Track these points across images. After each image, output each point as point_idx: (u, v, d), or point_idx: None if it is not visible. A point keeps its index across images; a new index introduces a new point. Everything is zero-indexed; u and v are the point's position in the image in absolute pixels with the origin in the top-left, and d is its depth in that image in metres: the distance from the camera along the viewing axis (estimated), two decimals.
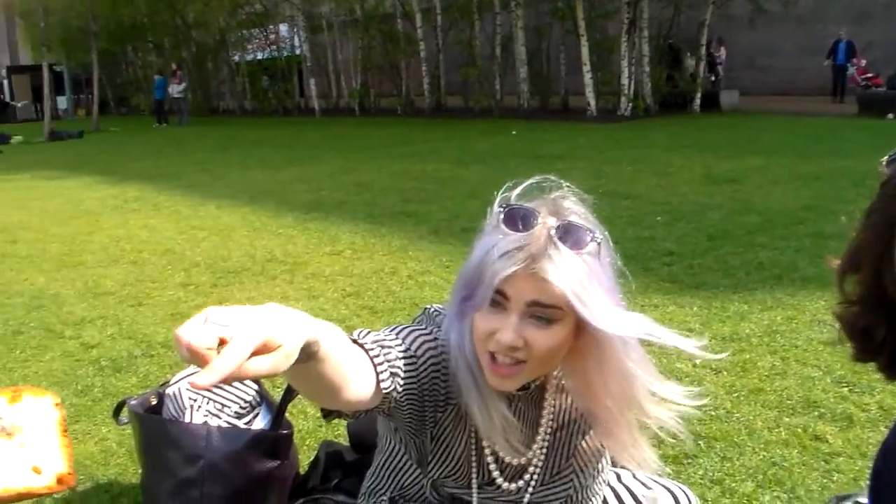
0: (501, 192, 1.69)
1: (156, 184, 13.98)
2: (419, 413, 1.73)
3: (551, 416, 1.85)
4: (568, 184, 1.73)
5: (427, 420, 1.77)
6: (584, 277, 1.56)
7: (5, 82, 45.47)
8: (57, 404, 0.71)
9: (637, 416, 1.77)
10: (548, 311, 1.59)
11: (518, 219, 1.61)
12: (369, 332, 1.64)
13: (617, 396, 1.72)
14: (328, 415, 1.61)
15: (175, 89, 31.82)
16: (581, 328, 1.64)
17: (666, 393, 1.78)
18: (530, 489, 1.90)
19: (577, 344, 1.68)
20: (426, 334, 1.75)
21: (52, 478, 0.67)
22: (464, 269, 1.67)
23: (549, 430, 1.86)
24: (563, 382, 1.84)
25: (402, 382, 1.62)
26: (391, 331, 1.73)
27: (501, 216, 1.62)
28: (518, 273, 1.56)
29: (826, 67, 24.58)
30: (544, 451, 1.87)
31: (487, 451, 1.84)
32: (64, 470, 0.68)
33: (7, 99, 44.78)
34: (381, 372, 1.55)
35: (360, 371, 1.45)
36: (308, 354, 1.16)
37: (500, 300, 1.60)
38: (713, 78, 25.12)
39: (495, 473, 1.86)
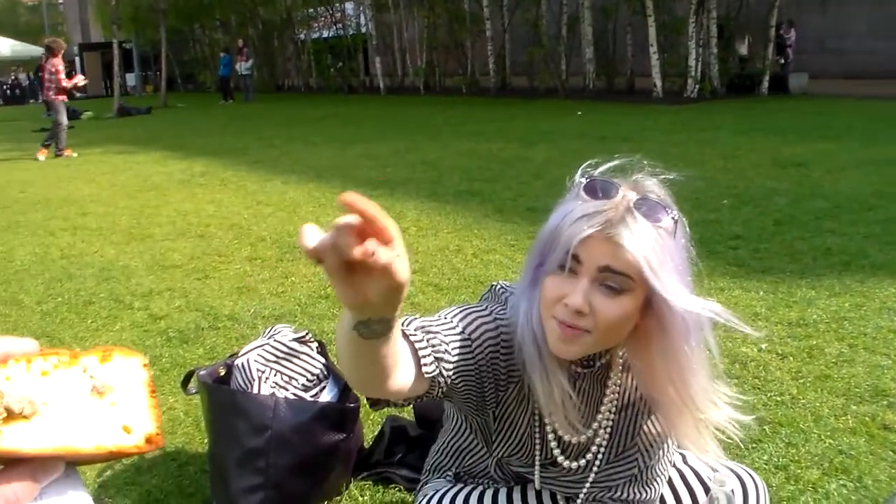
0: (583, 168, 1.70)
1: (222, 159, 14.15)
2: (478, 393, 1.74)
3: (615, 394, 1.85)
4: (650, 164, 1.73)
5: (488, 399, 1.78)
6: (658, 249, 1.57)
7: (77, 59, 46.15)
8: (145, 365, 0.74)
9: (693, 410, 1.76)
10: (618, 278, 1.58)
11: (598, 188, 1.62)
12: (415, 319, 1.65)
13: (678, 384, 1.71)
14: (375, 403, 1.63)
15: (242, 66, 32.03)
16: (647, 306, 1.64)
17: (716, 395, 1.78)
18: (595, 467, 1.90)
19: (642, 324, 1.67)
20: (483, 314, 1.77)
21: (141, 437, 0.69)
22: (539, 236, 1.68)
23: (612, 409, 1.86)
24: (629, 362, 1.84)
25: (451, 366, 1.63)
26: (444, 314, 1.75)
27: (582, 185, 1.63)
28: (594, 236, 1.56)
29: (888, 53, 24.05)
30: (608, 430, 1.87)
31: (549, 429, 1.84)
32: (153, 430, 0.70)
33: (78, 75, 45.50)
34: (424, 357, 1.56)
35: (405, 359, 1.46)
36: (388, 326, 1.17)
37: (572, 265, 1.60)
38: (782, 61, 24.65)
39: (556, 451, 1.87)
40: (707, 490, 2.05)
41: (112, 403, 0.70)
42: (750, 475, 2.12)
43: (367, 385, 1.45)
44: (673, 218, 1.62)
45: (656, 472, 1.98)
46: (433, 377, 1.58)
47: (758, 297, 5.48)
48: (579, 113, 19.64)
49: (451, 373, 1.63)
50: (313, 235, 0.97)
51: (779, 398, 3.97)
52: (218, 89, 34.44)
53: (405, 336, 1.53)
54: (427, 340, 1.60)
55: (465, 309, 1.78)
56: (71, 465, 0.69)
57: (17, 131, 22.75)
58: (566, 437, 1.83)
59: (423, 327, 1.63)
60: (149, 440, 0.70)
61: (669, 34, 24.34)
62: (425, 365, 1.56)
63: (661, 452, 1.95)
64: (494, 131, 16.60)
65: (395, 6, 33.96)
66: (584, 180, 1.65)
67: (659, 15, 23.44)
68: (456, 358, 1.65)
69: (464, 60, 31.33)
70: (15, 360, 0.68)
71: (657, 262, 1.56)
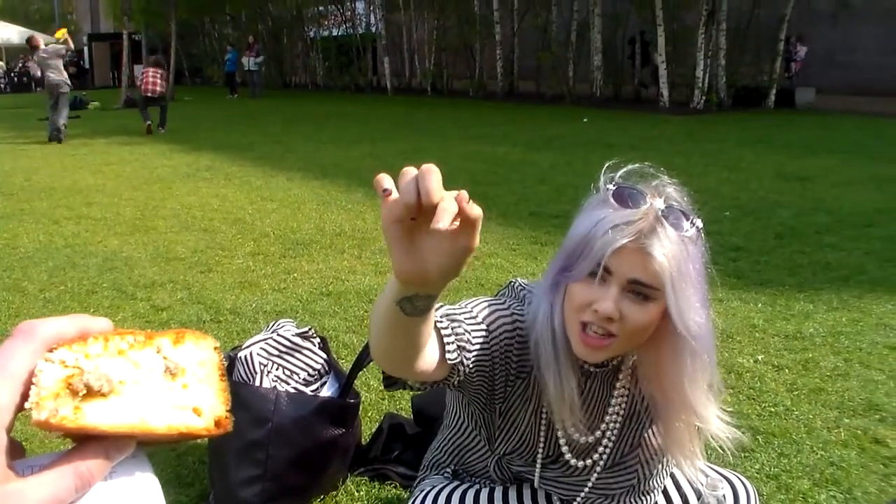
0: (604, 172, 1.75)
1: (228, 154, 14.19)
2: (489, 386, 1.80)
3: (623, 398, 1.90)
4: (666, 172, 1.78)
5: (496, 393, 1.83)
6: (683, 261, 1.64)
7: (86, 49, 46.17)
8: (216, 348, 0.75)
9: (690, 415, 1.81)
10: (646, 289, 1.65)
11: (627, 196, 1.67)
12: (442, 305, 1.70)
13: (680, 388, 1.76)
14: (392, 384, 1.68)
15: (251, 62, 31.96)
16: (664, 312, 1.70)
17: (712, 406, 1.82)
18: (598, 468, 1.94)
19: (659, 324, 1.73)
20: (502, 309, 1.82)
21: (210, 420, 0.71)
22: (567, 242, 1.72)
23: (619, 412, 1.90)
24: (637, 368, 1.88)
25: (471, 356, 1.69)
26: (466, 304, 1.81)
27: (611, 193, 1.68)
28: (627, 246, 1.61)
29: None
30: (615, 432, 1.92)
31: (558, 426, 1.89)
32: (222, 413, 0.72)
33: (87, 65, 45.51)
34: (448, 344, 1.62)
35: (432, 342, 1.51)
36: (430, 304, 1.22)
37: (601, 273, 1.65)
38: (787, 75, 24.57)
39: (564, 448, 1.91)
40: (699, 495, 2.09)
41: (184, 385, 0.71)
42: (741, 481, 2.16)
43: (394, 362, 1.49)
44: (696, 226, 1.69)
45: (653, 485, 2.02)
46: (454, 364, 1.63)
47: (756, 308, 5.52)
48: (585, 120, 19.66)
49: (470, 362, 1.69)
50: (389, 181, 1.00)
51: (773, 409, 4.01)
52: (225, 84, 34.48)
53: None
54: (452, 328, 1.66)
55: (487, 301, 1.84)
56: (139, 446, 0.71)
57: (22, 118, 22.81)
58: (575, 436, 1.88)
59: (448, 315, 1.69)
60: (218, 423, 0.70)
61: (678, 44, 24.37)
62: (449, 352, 1.61)
63: (660, 466, 1.99)
64: (500, 135, 16.64)
65: (406, 6, 33.98)
66: (612, 187, 1.70)
67: (669, 24, 23.46)
68: (476, 348, 1.71)
69: (472, 63, 31.34)
70: (94, 338, 0.70)
71: (679, 277, 1.63)
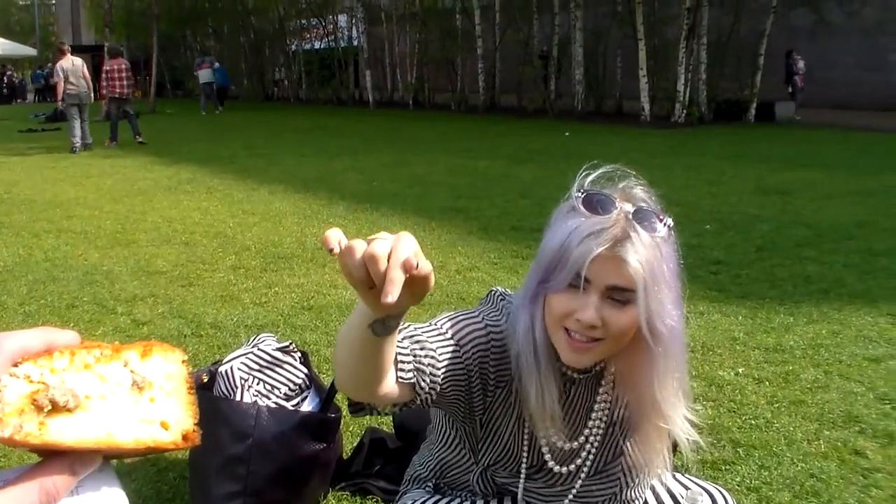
0: (578, 177, 1.77)
1: (209, 167, 14.16)
2: (466, 398, 1.80)
3: (606, 404, 1.90)
4: (635, 174, 1.80)
5: (476, 404, 1.84)
6: (656, 263, 1.65)
7: None
8: (184, 361, 0.75)
9: (657, 417, 1.82)
10: (625, 293, 1.66)
11: (596, 203, 1.68)
12: (406, 327, 1.71)
13: (651, 390, 1.77)
14: (359, 410, 1.70)
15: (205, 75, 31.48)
16: None
17: (681, 409, 1.84)
18: (582, 475, 1.94)
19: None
20: (473, 321, 1.84)
21: (178, 433, 0.71)
22: (542, 254, 1.73)
23: (601, 418, 1.91)
24: (616, 373, 1.90)
25: (438, 372, 1.70)
26: (436, 321, 1.82)
27: (580, 201, 1.69)
28: (602, 255, 1.62)
29: (886, 82, 24.17)
30: (598, 438, 1.92)
31: (541, 433, 1.90)
32: (189, 427, 0.72)
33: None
34: (402, 363, 1.63)
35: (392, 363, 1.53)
36: (399, 321, 1.29)
37: (578, 283, 1.66)
38: (791, 89, 24.18)
39: (547, 456, 1.91)
40: None
41: (151, 399, 0.71)
42: (721, 493, 2.16)
43: (362, 387, 1.52)
44: (667, 225, 1.70)
45: (635, 496, 2.02)
46: (411, 384, 1.64)
47: (736, 322, 5.54)
48: (567, 134, 19.73)
49: (437, 378, 1.70)
50: (340, 244, 1.07)
51: (753, 421, 4.02)
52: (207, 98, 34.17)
53: None
54: (411, 350, 1.66)
55: (457, 316, 1.85)
56: (106, 460, 0.71)
57: (3, 131, 22.68)
58: (558, 443, 1.88)
59: (410, 336, 1.70)
60: (185, 437, 0.70)
61: (659, 58, 24.52)
62: (404, 371, 1.62)
63: (642, 476, 2.00)
64: (482, 149, 16.68)
65: (388, 20, 34.09)
66: (580, 194, 1.71)
67: (650, 39, 23.59)
68: (444, 364, 1.72)
69: (454, 77, 31.44)
70: (59, 352, 0.70)
71: (652, 281, 1.64)
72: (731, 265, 7.01)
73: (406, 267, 1.03)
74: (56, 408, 0.66)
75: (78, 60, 17.00)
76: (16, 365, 0.68)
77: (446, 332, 1.78)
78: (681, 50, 22.81)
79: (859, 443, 3.78)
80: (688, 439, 1.86)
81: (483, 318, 1.85)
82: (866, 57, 25.24)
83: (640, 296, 1.63)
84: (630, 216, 1.66)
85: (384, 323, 1.26)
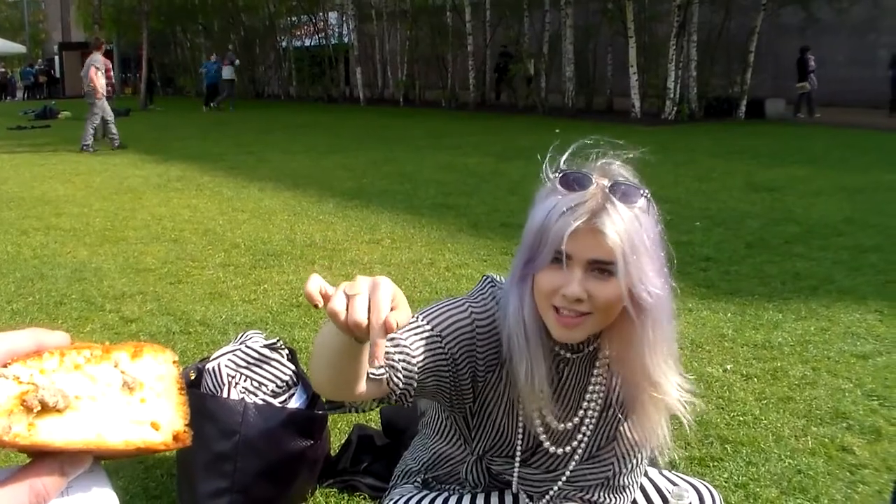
0: (547, 157, 1.79)
1: (199, 164, 14.14)
2: (453, 386, 1.83)
3: (601, 385, 1.91)
4: (609, 144, 1.83)
5: (465, 392, 1.86)
6: (635, 233, 1.66)
7: (56, 58, 45.94)
8: (174, 362, 0.75)
9: (653, 387, 1.83)
10: (607, 265, 1.67)
11: (573, 180, 1.71)
12: None
13: (643, 360, 1.79)
14: (336, 407, 1.72)
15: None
16: None
17: (670, 375, 1.84)
18: (576, 456, 1.95)
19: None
20: (456, 310, 1.86)
21: (168, 434, 0.70)
22: (525, 235, 1.76)
23: (596, 399, 1.92)
24: (609, 352, 1.90)
25: (413, 368, 1.73)
26: (417, 315, 1.83)
27: (557, 180, 1.72)
28: (580, 228, 1.64)
29: (875, 80, 24.16)
30: (593, 420, 1.93)
31: (535, 415, 1.90)
32: (180, 427, 0.71)
33: (58, 75, 45.27)
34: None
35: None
36: None
37: (561, 259, 1.67)
38: (807, 88, 23.73)
39: (543, 437, 1.91)
40: (666, 503, 2.09)
41: (142, 400, 0.70)
42: (708, 489, 2.17)
43: (339, 386, 1.56)
44: (645, 196, 1.72)
45: (628, 481, 2.02)
46: (384, 380, 1.67)
47: (725, 318, 5.55)
48: (557, 131, 19.67)
49: (412, 373, 1.72)
50: (317, 293, 1.23)
51: (741, 418, 4.03)
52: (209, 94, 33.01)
53: None
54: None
55: (439, 306, 1.87)
56: (96, 461, 0.71)
57: None
58: (552, 424, 1.89)
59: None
60: (176, 437, 0.70)
61: (650, 55, 24.55)
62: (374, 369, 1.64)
63: (635, 461, 2.00)
64: (472, 146, 16.68)
65: (378, 17, 34.04)
66: (557, 175, 1.73)
67: (640, 36, 23.61)
68: (421, 358, 1.74)
69: (444, 74, 31.41)
70: (49, 353, 0.70)
71: (631, 250, 1.65)
72: (720, 262, 7.02)
73: (387, 331, 1.15)
74: (46, 409, 0.66)
75: (96, 57, 16.89)
76: (5, 366, 0.68)
77: (425, 325, 1.80)
78: (671, 47, 22.84)
79: (846, 439, 3.79)
80: (684, 404, 1.87)
81: (468, 306, 1.87)
82: (856, 54, 25.26)
83: (620, 266, 1.65)
84: (607, 189, 1.68)
85: None
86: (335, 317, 1.19)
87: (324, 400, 1.75)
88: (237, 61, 32.59)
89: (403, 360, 1.71)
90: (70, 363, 0.70)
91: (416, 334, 1.77)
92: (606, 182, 1.70)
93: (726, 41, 24.32)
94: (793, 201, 9.92)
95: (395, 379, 1.69)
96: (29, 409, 0.65)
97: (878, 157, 14.30)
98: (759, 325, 5.42)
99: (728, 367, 4.67)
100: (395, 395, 1.72)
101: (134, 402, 0.71)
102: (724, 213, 9.14)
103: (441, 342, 1.79)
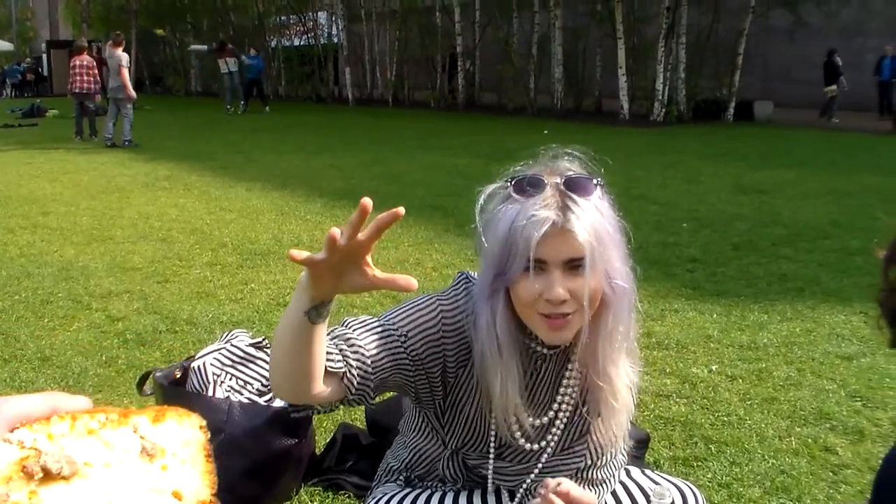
0: (501, 177, 1.81)
1: (188, 163, 14.11)
2: (420, 383, 1.84)
3: (574, 381, 1.91)
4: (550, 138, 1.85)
5: (435, 387, 1.87)
6: (599, 225, 1.68)
7: (44, 56, 45.76)
8: (202, 427, 0.70)
9: (602, 379, 1.85)
10: (582, 262, 1.68)
11: (527, 185, 1.71)
12: (341, 324, 1.81)
13: (600, 344, 1.80)
14: (297, 410, 1.76)
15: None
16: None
17: (620, 363, 1.86)
18: (549, 450, 1.95)
19: None
20: (424, 308, 1.87)
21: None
22: (490, 248, 1.76)
23: (570, 394, 1.92)
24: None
25: (368, 367, 1.74)
26: (383, 315, 1.86)
27: (511, 188, 1.73)
28: (548, 233, 1.65)
29: (863, 83, 24.23)
30: (567, 415, 1.94)
31: (510, 411, 1.90)
32: (206, 497, 0.68)
33: (45, 73, 45.09)
34: (329, 355, 1.68)
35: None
36: (329, 308, 1.51)
37: (537, 265, 1.68)
38: (835, 91, 23.36)
39: (518, 434, 1.92)
40: (648, 502, 2.10)
41: (164, 467, 0.66)
42: (691, 489, 2.17)
43: (297, 384, 1.63)
44: (599, 185, 1.74)
45: (602, 476, 2.02)
46: (339, 375, 1.70)
47: (711, 319, 5.57)
48: (546, 132, 19.73)
49: (368, 372, 1.74)
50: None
51: (726, 418, 4.04)
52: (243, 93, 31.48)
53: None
54: (338, 347, 1.73)
55: (405, 305, 1.88)
56: None
57: None
58: (527, 422, 1.89)
59: (338, 335, 1.77)
60: None
61: (638, 57, 24.61)
62: (330, 362, 1.67)
63: (608, 455, 2.01)
64: (461, 146, 16.68)
65: (368, 17, 34.01)
66: (510, 182, 1.75)
67: (629, 38, 23.67)
68: (378, 357, 1.76)
69: (433, 75, 31.41)
70: (59, 416, 0.66)
71: (598, 244, 1.67)
72: (707, 263, 7.04)
73: (363, 209, 1.39)
74: (49, 476, 0.62)
75: (120, 54, 16.96)
76: (12, 430, 0.64)
77: (386, 325, 1.82)
78: (660, 49, 22.93)
79: (830, 439, 3.82)
80: (631, 390, 1.90)
81: (437, 303, 1.88)
82: (844, 57, 25.32)
83: (588, 259, 1.66)
84: (561, 186, 1.69)
85: (318, 310, 1.49)
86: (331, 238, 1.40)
87: (286, 405, 1.77)
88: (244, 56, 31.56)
89: (358, 360, 1.73)
90: (83, 428, 0.66)
91: (374, 333, 1.78)
92: (558, 179, 1.71)
93: (715, 43, 24.37)
94: (780, 204, 9.95)
95: (350, 376, 1.71)
96: (30, 476, 0.62)
97: (866, 160, 14.37)
98: (745, 326, 5.44)
99: (713, 367, 4.69)
100: (352, 393, 1.73)
101: (154, 469, 0.66)
102: (712, 215, 9.17)
103: (402, 342, 1.79)
